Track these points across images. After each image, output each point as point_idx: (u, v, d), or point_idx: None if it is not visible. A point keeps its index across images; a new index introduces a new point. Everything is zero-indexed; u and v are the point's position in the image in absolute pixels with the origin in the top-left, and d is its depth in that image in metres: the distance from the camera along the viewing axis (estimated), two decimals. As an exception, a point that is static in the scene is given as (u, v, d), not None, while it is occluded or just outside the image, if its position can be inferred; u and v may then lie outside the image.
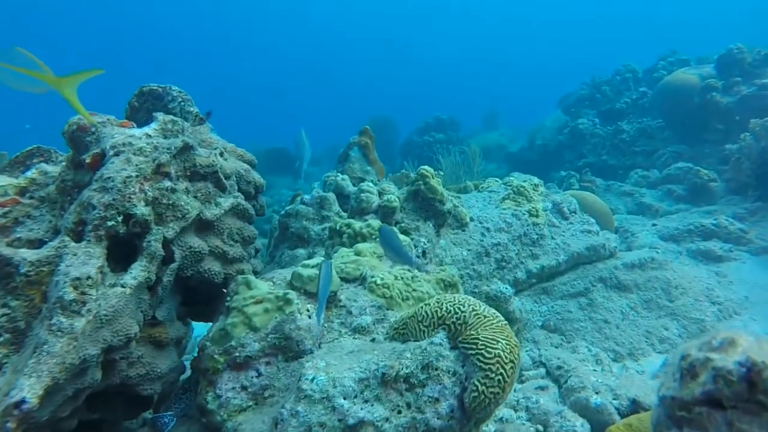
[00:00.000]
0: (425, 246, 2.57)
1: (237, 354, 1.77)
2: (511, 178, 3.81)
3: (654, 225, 4.06)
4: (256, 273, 2.42)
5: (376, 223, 2.56)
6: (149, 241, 1.67)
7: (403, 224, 2.78)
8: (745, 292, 3.31)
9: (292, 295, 1.88)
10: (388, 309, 2.07)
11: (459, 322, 1.62)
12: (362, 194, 2.69)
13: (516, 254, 3.11)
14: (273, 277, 2.11)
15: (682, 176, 5.56)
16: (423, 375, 1.53)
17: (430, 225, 2.88)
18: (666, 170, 5.94)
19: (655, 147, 6.86)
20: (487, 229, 3.15)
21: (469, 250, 3.01)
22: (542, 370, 2.62)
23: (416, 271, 2.34)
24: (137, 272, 1.60)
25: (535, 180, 3.67)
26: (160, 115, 2.09)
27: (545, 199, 3.55)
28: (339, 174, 3.79)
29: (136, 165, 1.71)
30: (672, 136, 6.84)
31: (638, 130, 7.13)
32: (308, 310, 1.89)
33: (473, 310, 1.64)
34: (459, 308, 1.65)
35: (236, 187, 2.33)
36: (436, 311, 1.68)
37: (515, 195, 3.45)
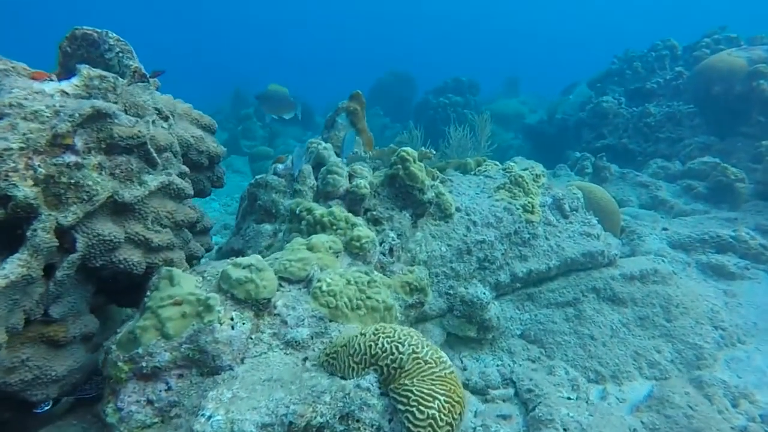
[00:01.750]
0: (393, 242, 2.26)
1: (144, 363, 1.52)
2: (512, 164, 3.42)
3: (665, 230, 3.67)
4: (194, 259, 2.14)
5: (339, 212, 2.24)
6: (34, 230, 1.39)
7: (375, 212, 2.46)
8: (754, 317, 2.97)
9: (215, 300, 1.60)
10: (331, 320, 1.80)
11: (394, 365, 1.33)
12: (329, 176, 2.36)
13: (502, 254, 2.78)
14: (205, 271, 1.83)
15: (707, 172, 5.08)
16: (341, 427, 1.26)
17: (407, 215, 2.55)
18: (689, 163, 5.45)
19: (682, 135, 6.31)
20: (474, 222, 2.81)
21: (449, 245, 2.70)
22: (511, 391, 2.36)
23: (375, 273, 2.05)
24: (11, 268, 1.32)
25: (538, 170, 3.28)
26: (85, 68, 1.75)
27: (545, 193, 3.17)
28: (322, 142, 3.43)
29: (24, 134, 1.40)
30: (702, 124, 6.26)
31: (666, 114, 6.54)
32: (232, 320, 1.62)
33: (413, 352, 1.34)
34: (396, 347, 1.36)
35: (178, 160, 2.01)
36: (370, 347, 1.39)
37: (512, 185, 3.08)
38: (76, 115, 1.51)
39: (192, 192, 1.93)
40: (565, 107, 8.68)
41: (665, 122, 6.51)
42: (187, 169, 2.04)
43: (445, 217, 2.79)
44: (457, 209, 2.88)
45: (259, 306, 1.68)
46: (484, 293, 2.58)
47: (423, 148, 3.31)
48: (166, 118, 2.04)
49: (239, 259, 1.72)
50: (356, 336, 1.46)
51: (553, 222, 3.01)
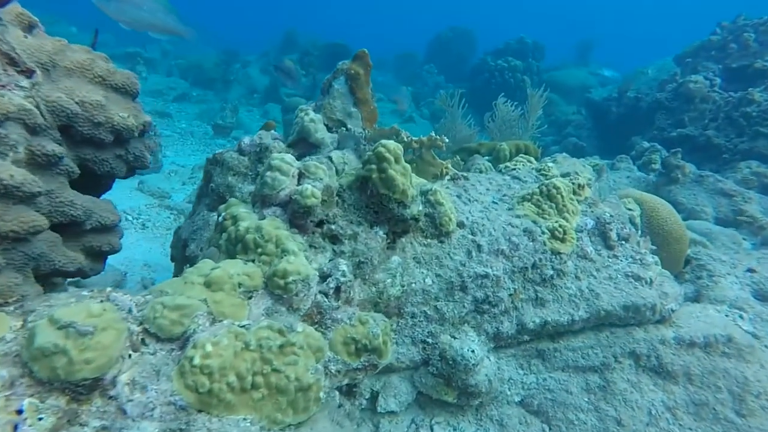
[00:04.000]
0: (342, 279, 1.59)
1: None
2: (550, 164, 2.60)
3: (751, 272, 2.74)
4: (60, 275, 1.58)
5: (272, 228, 1.58)
6: None
7: (333, 225, 1.78)
8: None
9: None
10: (199, 411, 1.20)
11: None
12: (269, 173, 1.69)
13: (510, 295, 2.05)
14: (36, 310, 1.26)
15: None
16: None
17: (379, 233, 1.86)
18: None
19: (789, 134, 5.06)
20: (479, 247, 2.08)
21: (438, 275, 2.00)
22: (486, 496, 1.71)
23: (297, 330, 1.41)
24: None
25: (583, 177, 2.44)
26: None
27: (587, 211, 2.35)
28: (310, 111, 2.73)
29: None
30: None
31: (773, 104, 5.26)
32: (19, 413, 1.04)
33: None
34: None
35: (41, 135, 1.41)
36: None
37: (541, 198, 2.29)
38: None
39: (38, 188, 1.33)
40: (639, 84, 7.37)
41: (769, 115, 5.25)
42: (52, 149, 1.44)
43: (441, 235, 2.07)
44: (460, 224, 2.14)
45: (79, 388, 1.09)
46: (473, 351, 1.88)
47: (433, 133, 2.54)
48: (27, 73, 1.42)
49: (59, 312, 1.12)
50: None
51: (591, 255, 2.21)
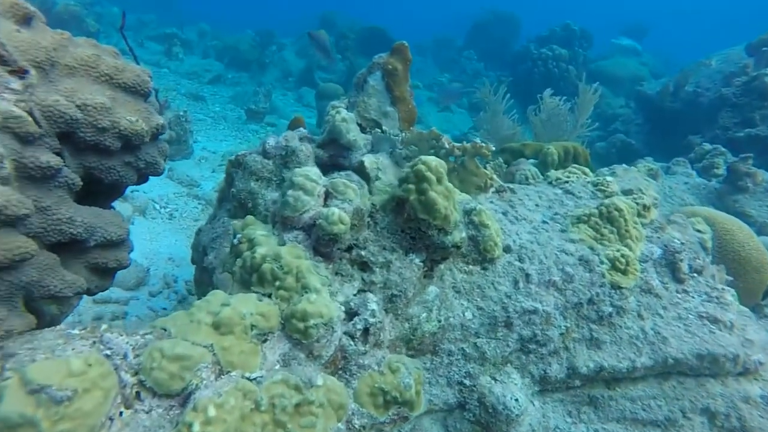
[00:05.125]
0: (371, 321, 1.37)
1: None
2: (608, 179, 2.28)
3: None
4: (57, 301, 1.42)
5: (292, 258, 1.37)
6: None
7: (363, 251, 1.55)
8: None
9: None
10: (198, 491, 1.01)
11: None
12: (291, 192, 1.47)
13: (561, 334, 1.79)
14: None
15: None
16: None
17: (415, 261, 1.62)
18: None
19: None
20: (527, 276, 1.81)
21: (480, 308, 1.75)
22: None
23: (317, 384, 1.20)
24: None
25: (648, 197, 2.12)
26: None
27: (653, 237, 2.04)
28: (342, 109, 2.50)
29: None
30: None
31: None
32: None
33: None
34: None
35: (35, 144, 1.23)
36: None
37: (600, 220, 1.99)
38: None
39: (26, 210, 1.16)
40: (700, 77, 6.74)
41: None
42: (47, 161, 1.26)
43: (484, 261, 1.82)
44: (506, 248, 1.88)
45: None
46: (517, 401, 1.64)
47: (478, 139, 2.26)
48: (19, 73, 1.24)
49: (33, 371, 0.93)
50: None
51: (657, 289, 1.91)
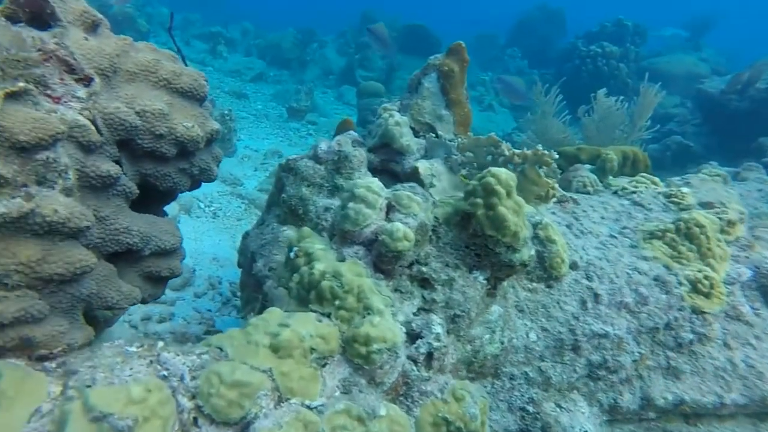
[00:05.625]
0: (435, 345, 1.28)
1: None
2: (685, 191, 2.09)
3: None
4: (110, 308, 1.39)
5: (352, 275, 1.29)
6: None
7: (424, 268, 1.46)
8: None
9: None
10: None
11: None
12: (351, 204, 1.39)
13: (634, 360, 1.64)
14: (79, 373, 1.06)
15: None
16: None
17: (479, 278, 1.51)
18: None
19: None
20: (596, 296, 1.67)
21: (544, 330, 1.63)
22: None
23: (380, 413, 1.12)
24: None
25: (732, 211, 1.92)
26: None
27: (739, 256, 1.85)
28: (395, 112, 2.41)
29: None
30: None
31: None
32: None
33: None
34: None
35: (97, 154, 1.21)
36: None
37: (677, 237, 1.82)
38: None
39: (87, 222, 1.12)
40: (772, 74, 6.26)
41: None
42: (107, 170, 1.23)
43: (549, 279, 1.69)
44: (573, 265, 1.75)
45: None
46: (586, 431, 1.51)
47: (540, 147, 2.12)
48: (85, 81, 1.21)
49: (95, 397, 0.89)
50: None
51: (746, 316, 1.72)
